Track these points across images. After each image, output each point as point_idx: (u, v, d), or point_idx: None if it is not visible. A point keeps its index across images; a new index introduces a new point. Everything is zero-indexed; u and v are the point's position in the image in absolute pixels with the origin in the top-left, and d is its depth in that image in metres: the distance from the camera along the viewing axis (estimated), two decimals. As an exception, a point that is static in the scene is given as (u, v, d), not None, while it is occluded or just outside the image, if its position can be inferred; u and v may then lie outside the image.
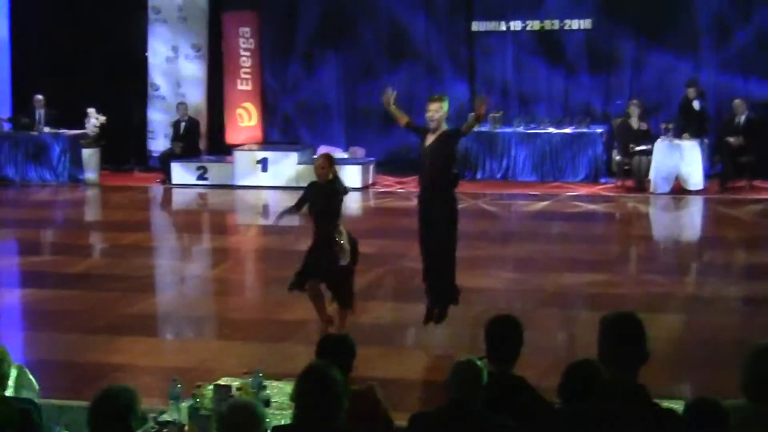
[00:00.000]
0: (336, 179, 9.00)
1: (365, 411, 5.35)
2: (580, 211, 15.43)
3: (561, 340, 9.15)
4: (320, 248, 8.91)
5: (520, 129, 18.23)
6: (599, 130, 17.95)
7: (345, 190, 9.07)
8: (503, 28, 18.99)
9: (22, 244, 14.44)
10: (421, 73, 19.28)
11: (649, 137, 16.88)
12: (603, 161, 17.76)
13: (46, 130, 19.03)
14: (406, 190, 16.88)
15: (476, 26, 19.11)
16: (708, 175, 16.77)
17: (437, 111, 8.81)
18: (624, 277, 11.58)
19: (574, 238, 13.60)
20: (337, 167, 9.16)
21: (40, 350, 9.21)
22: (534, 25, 18.83)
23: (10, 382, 5.35)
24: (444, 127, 8.87)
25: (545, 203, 16.05)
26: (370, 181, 17.96)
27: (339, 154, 18.53)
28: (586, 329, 9.16)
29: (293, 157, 18.02)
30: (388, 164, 18.70)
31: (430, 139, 8.89)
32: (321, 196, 8.97)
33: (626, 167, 17.06)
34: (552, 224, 14.55)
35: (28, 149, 18.88)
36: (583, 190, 16.96)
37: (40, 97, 19.23)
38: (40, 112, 19.20)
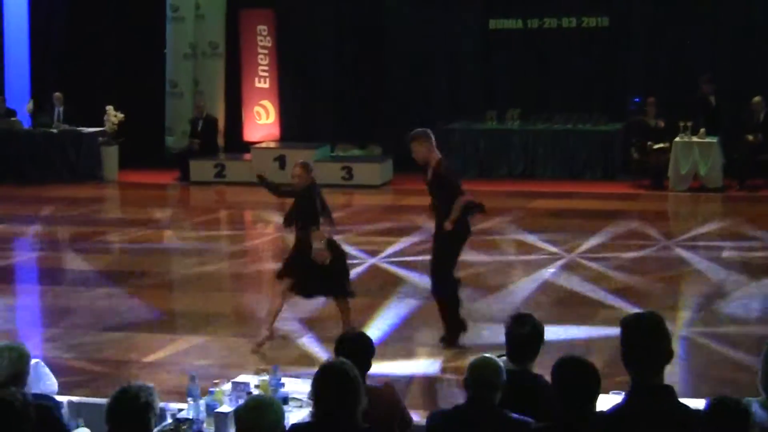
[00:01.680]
0: (313, 186, 8.98)
1: (383, 408, 5.34)
2: (598, 209, 15.36)
3: (580, 338, 9.11)
4: (301, 255, 8.90)
5: (538, 126, 18.20)
6: (617, 128, 17.88)
7: (318, 203, 8.95)
8: (520, 26, 18.96)
9: (40, 241, 14.49)
10: (438, 70, 19.25)
11: (667, 135, 16.81)
12: (620, 159, 17.69)
13: (65, 127, 19.09)
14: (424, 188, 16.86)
15: (494, 24, 19.08)
16: (725, 173, 16.67)
17: (415, 152, 8.96)
18: (642, 277, 11.52)
19: (592, 237, 13.53)
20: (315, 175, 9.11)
21: (59, 347, 9.24)
22: (551, 22, 18.78)
23: (29, 379, 5.35)
24: (437, 156, 8.91)
25: (563, 200, 16.00)
26: (388, 179, 17.94)
27: (356, 151, 18.54)
28: (604, 327, 9.14)
29: (311, 154, 18.00)
30: (406, 162, 18.63)
31: (429, 173, 9.01)
32: (297, 201, 9.02)
33: (644, 165, 16.99)
34: (570, 222, 14.49)
35: (47, 146, 18.94)
36: (601, 188, 16.90)
37: (58, 94, 19.29)
38: (59, 110, 19.25)
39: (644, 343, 4.16)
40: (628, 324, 4.24)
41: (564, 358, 4.60)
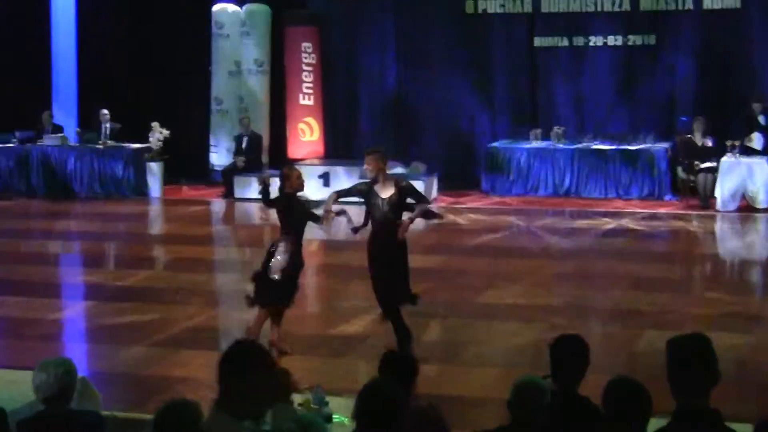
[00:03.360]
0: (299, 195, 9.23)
1: (426, 429, 5.30)
2: (644, 229, 15.25)
3: (624, 360, 9.02)
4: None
5: (583, 145, 18.08)
6: (663, 147, 17.74)
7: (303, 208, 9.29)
8: (566, 43, 18.88)
9: (85, 257, 14.60)
10: (483, 87, 19.22)
11: (715, 154, 16.65)
12: (667, 178, 17.53)
13: (111, 143, 19.27)
14: (467, 206, 16.86)
15: (539, 42, 19.02)
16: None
17: (369, 164, 9.15)
18: (688, 296, 11.40)
19: (638, 256, 13.43)
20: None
21: (103, 363, 9.28)
22: (597, 40, 18.69)
23: (75, 395, 5.38)
24: (393, 177, 9.24)
25: (608, 220, 15.89)
26: (433, 197, 17.89)
27: (400, 169, 18.51)
28: (649, 348, 9.04)
29: (355, 171, 18.00)
30: (450, 180, 18.63)
31: (384, 191, 9.07)
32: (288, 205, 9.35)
33: (691, 185, 16.84)
34: (615, 241, 14.39)
35: (93, 162, 19.13)
36: (647, 208, 16.75)
37: (105, 111, 19.48)
38: (106, 126, 19.45)
39: (690, 364, 4.09)
40: (674, 345, 4.17)
41: (616, 379, 4.53)
